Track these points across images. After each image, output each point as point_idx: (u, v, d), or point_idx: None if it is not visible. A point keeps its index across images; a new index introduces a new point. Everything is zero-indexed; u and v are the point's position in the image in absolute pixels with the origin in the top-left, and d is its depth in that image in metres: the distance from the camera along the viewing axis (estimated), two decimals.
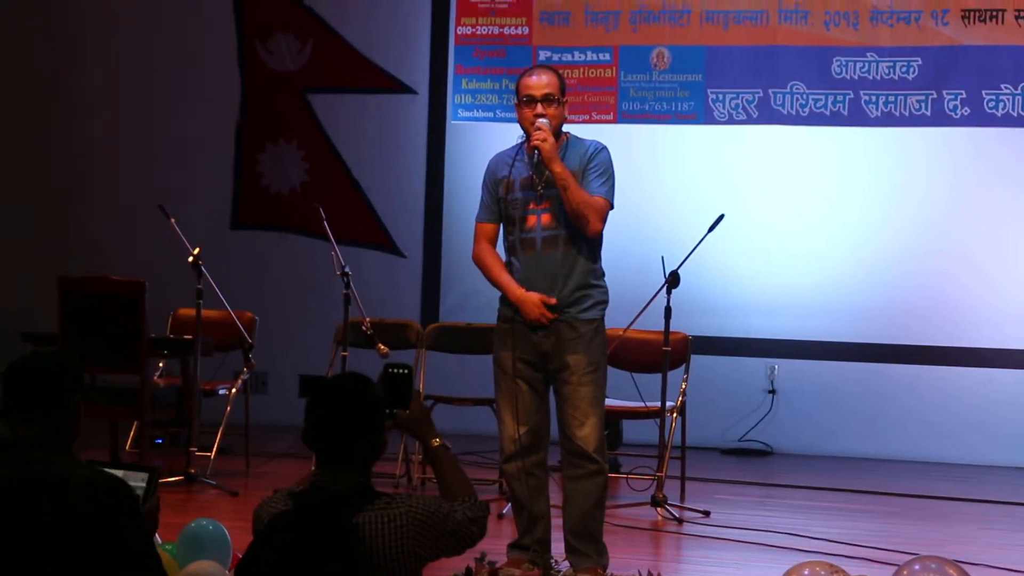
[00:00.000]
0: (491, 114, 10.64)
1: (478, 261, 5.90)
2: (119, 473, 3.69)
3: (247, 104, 11.37)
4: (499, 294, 5.86)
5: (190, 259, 7.93)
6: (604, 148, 5.81)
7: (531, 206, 5.70)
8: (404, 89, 11.09)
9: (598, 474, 5.71)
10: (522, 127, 5.76)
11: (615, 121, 10.35)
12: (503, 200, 5.76)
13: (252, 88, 11.36)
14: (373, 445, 3.70)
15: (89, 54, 11.51)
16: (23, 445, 3.44)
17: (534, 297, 5.68)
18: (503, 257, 5.86)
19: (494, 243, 5.91)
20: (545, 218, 5.69)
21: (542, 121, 5.64)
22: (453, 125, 10.83)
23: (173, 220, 8.04)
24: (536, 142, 5.61)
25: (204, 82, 11.37)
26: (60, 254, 10.95)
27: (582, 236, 5.70)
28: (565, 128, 5.84)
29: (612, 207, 5.75)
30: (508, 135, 10.46)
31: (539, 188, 5.67)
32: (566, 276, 5.70)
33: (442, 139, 10.94)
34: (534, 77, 5.76)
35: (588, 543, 5.75)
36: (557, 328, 5.68)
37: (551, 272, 5.69)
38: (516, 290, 5.74)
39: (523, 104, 5.73)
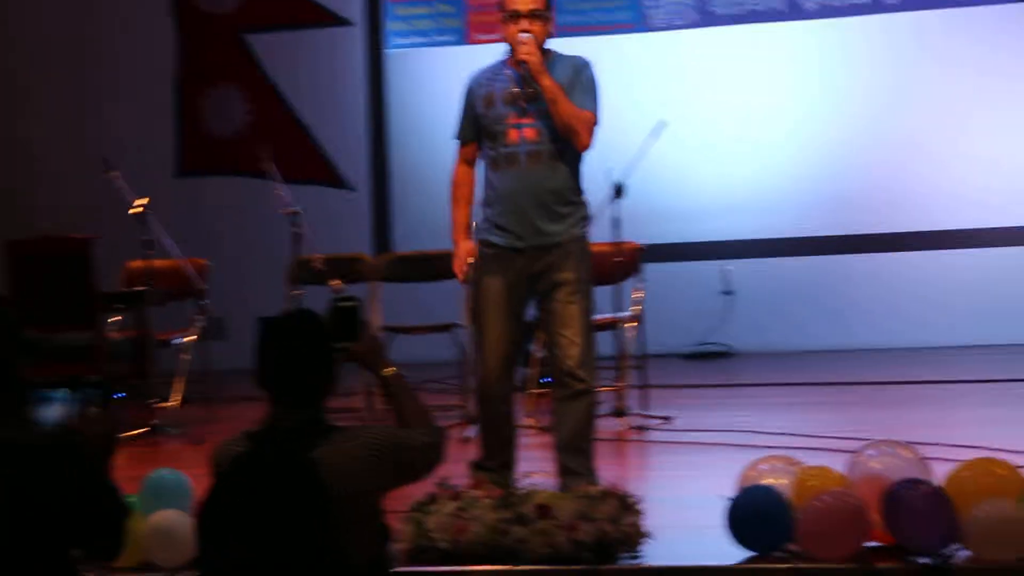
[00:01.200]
0: (427, 39, 10.62)
1: (451, 183, 5.86)
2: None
3: (183, 49, 11.31)
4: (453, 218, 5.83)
5: (135, 210, 7.89)
6: (590, 63, 5.69)
7: (513, 120, 5.59)
8: (339, 21, 11.03)
9: (589, 392, 5.66)
10: (507, 43, 5.62)
11: (552, 35, 10.32)
12: (483, 116, 5.64)
13: (187, 33, 11.28)
14: (325, 380, 3.69)
15: (18, 10, 11.39)
16: None
17: (466, 249, 5.71)
18: (485, 172, 5.72)
19: (472, 162, 5.82)
20: (528, 132, 5.58)
21: (525, 36, 5.51)
22: (390, 53, 10.80)
23: (117, 173, 8.00)
24: (523, 56, 5.50)
25: (138, 30, 11.28)
26: (5, 216, 10.88)
27: (566, 152, 5.61)
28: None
29: (598, 123, 5.64)
30: (445, 60, 10.57)
31: (522, 102, 5.57)
32: (550, 191, 5.60)
33: (380, 69, 10.91)
34: None
35: (581, 460, 5.68)
36: (545, 250, 5.59)
37: (534, 187, 5.59)
38: (458, 234, 5.75)
39: (508, 20, 5.59)
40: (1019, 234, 10.10)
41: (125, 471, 3.80)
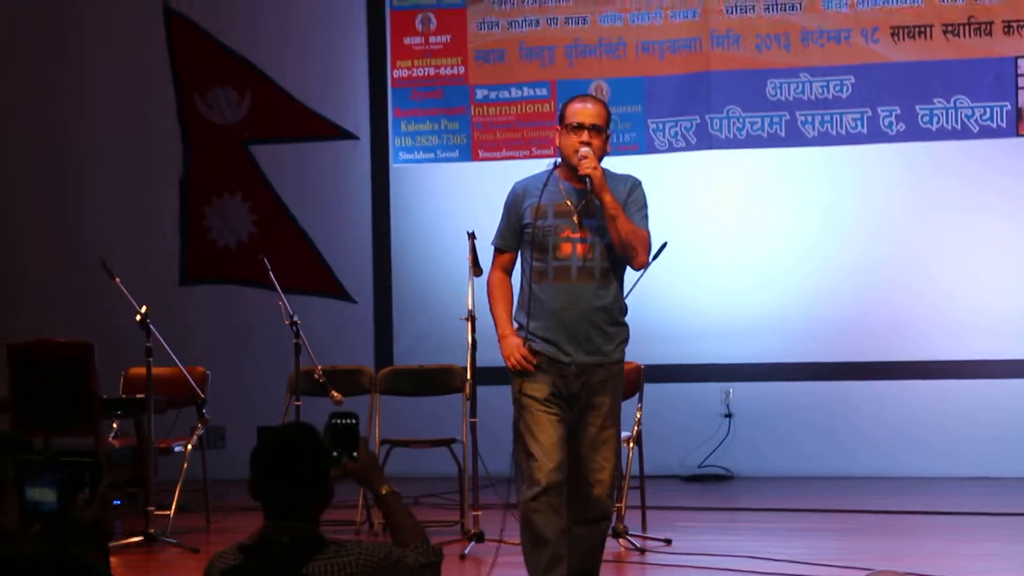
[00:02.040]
0: (432, 155, 10.69)
1: (488, 287, 5.75)
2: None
3: (189, 158, 11.37)
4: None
5: (137, 318, 7.89)
6: (640, 183, 5.65)
7: (566, 234, 5.50)
8: (345, 135, 11.11)
9: (607, 519, 5.64)
10: (563, 154, 5.58)
11: (555, 155, 10.39)
12: (532, 226, 5.53)
13: (193, 142, 11.35)
14: (320, 494, 3.68)
15: (25, 113, 11.46)
16: None
17: (518, 342, 5.52)
18: (526, 282, 5.61)
19: (509, 271, 5.74)
20: (581, 248, 5.49)
21: (585, 150, 5.46)
22: (396, 168, 10.87)
23: (118, 280, 8.01)
24: (587, 170, 5.42)
25: (144, 138, 11.36)
26: (6, 320, 10.87)
27: (616, 270, 5.55)
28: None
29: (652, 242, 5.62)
30: (450, 175, 10.63)
31: (576, 217, 5.49)
32: (600, 309, 5.51)
33: (386, 183, 10.96)
34: (588, 105, 5.60)
35: None
36: (588, 368, 5.50)
37: (583, 304, 5.48)
38: (505, 328, 5.58)
39: (569, 131, 5.53)
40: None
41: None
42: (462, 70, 10.64)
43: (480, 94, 10.55)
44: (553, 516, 5.44)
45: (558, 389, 5.50)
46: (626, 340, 5.65)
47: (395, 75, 10.78)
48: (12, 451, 3.53)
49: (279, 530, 3.61)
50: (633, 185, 5.61)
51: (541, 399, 5.49)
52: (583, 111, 5.56)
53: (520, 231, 5.61)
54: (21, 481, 3.51)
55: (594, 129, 5.51)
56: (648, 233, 5.55)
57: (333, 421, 3.89)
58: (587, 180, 5.44)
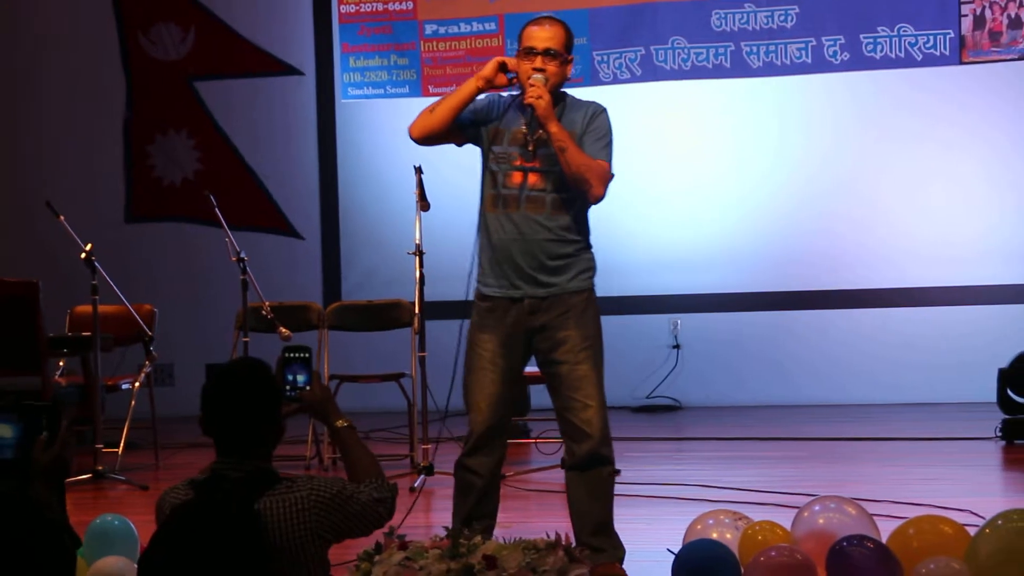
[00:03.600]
0: (381, 91, 10.64)
1: (420, 115, 5.34)
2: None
3: (133, 96, 11.29)
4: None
5: (83, 255, 7.84)
6: (604, 110, 5.27)
7: (518, 162, 5.20)
8: (290, 71, 11.06)
9: (604, 463, 5.24)
10: (520, 81, 5.21)
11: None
12: (487, 151, 5.26)
13: (137, 80, 11.27)
14: (271, 429, 3.68)
15: None
16: None
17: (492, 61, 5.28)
18: (481, 214, 5.29)
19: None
20: (532, 177, 5.18)
21: (536, 77, 5.10)
22: (343, 104, 10.83)
23: (63, 218, 7.96)
24: (530, 99, 5.08)
25: (88, 77, 11.26)
26: None
27: (571, 200, 5.22)
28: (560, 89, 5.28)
29: (612, 174, 5.21)
30: (399, 110, 10.57)
31: (529, 146, 5.19)
32: (550, 240, 5.20)
33: (332, 118, 10.94)
34: (543, 27, 5.23)
35: (602, 537, 5.27)
36: (543, 303, 5.22)
37: (531, 235, 5.19)
38: (475, 76, 5.28)
39: (523, 56, 5.20)
40: (965, 293, 10.18)
41: (70, 517, 3.74)
42: (411, 5, 10.58)
43: (429, 29, 10.49)
44: (485, 475, 5.29)
45: (512, 337, 5.26)
46: (588, 270, 5.29)
47: (342, 11, 10.70)
48: None
49: (231, 466, 3.60)
50: (594, 113, 5.26)
51: (486, 352, 5.27)
52: (536, 34, 5.23)
53: (475, 124, 5.31)
54: None
55: (547, 54, 5.18)
56: (608, 164, 5.22)
57: (286, 355, 3.89)
58: (530, 109, 5.14)
